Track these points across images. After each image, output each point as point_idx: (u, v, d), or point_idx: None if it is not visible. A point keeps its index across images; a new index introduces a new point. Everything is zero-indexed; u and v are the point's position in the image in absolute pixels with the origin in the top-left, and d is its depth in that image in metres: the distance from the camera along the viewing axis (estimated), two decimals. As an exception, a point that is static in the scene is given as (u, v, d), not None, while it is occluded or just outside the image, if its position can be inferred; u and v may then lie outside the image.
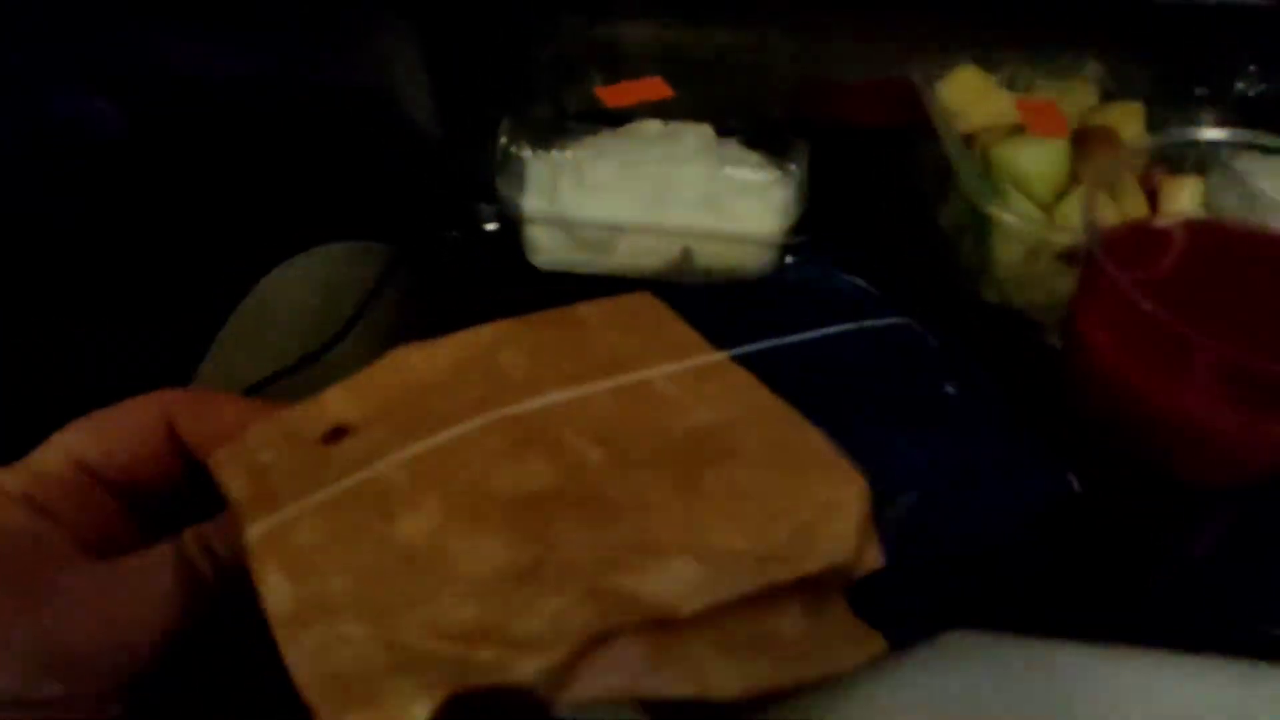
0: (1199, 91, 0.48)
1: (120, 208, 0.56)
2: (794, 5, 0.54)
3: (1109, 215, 0.36)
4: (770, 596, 0.23)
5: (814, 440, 0.26)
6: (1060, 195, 0.42)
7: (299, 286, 0.51)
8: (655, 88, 0.45)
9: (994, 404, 0.30)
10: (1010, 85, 0.46)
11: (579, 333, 0.30)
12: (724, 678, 0.22)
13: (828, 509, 0.24)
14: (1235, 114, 0.46)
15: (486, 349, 0.28)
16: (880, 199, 0.49)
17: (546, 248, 0.44)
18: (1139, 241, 0.33)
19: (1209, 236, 0.34)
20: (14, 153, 0.59)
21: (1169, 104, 0.46)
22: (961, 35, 0.54)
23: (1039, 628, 0.32)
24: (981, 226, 0.41)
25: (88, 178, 0.58)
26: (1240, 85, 0.46)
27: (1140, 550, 0.35)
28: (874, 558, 0.24)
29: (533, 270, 0.45)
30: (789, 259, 0.42)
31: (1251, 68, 0.46)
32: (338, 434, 0.26)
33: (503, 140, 0.43)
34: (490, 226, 0.43)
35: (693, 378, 0.28)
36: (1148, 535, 0.35)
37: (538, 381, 0.27)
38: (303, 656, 0.20)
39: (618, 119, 0.47)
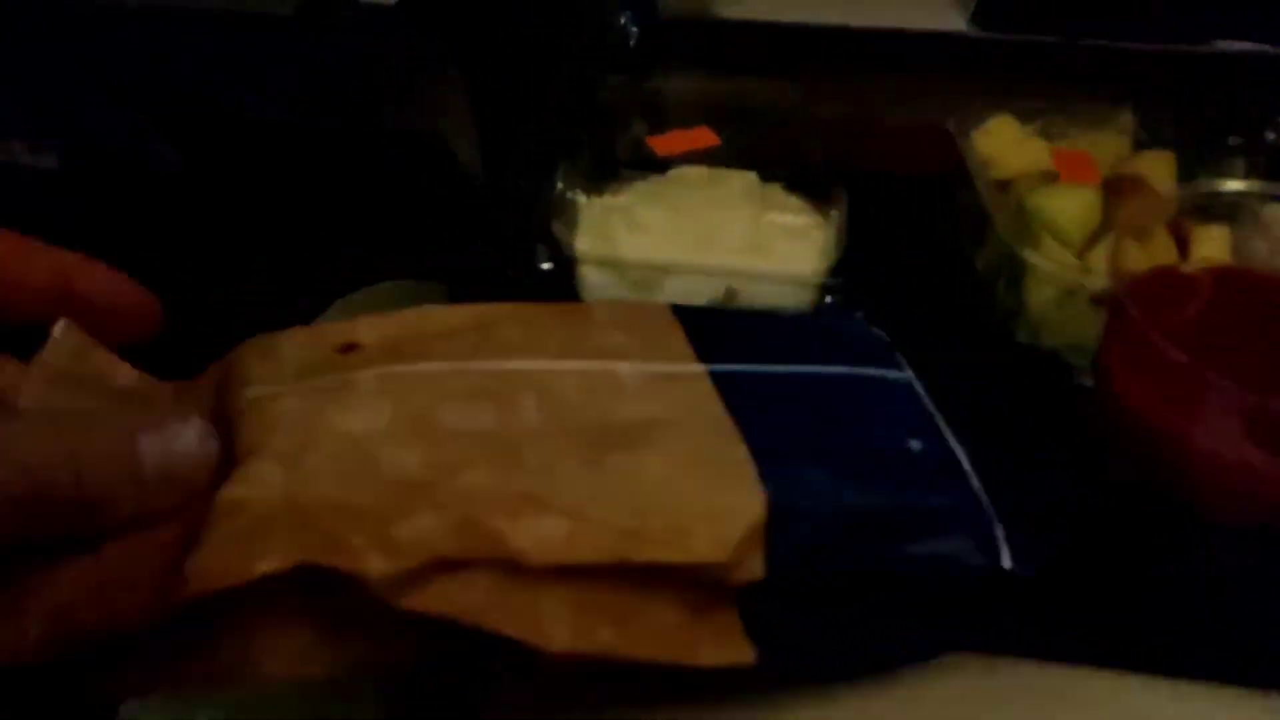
0: (1231, 140, 0.50)
1: (175, 246, 0.59)
2: (833, 60, 0.57)
3: (1139, 261, 0.38)
4: (646, 578, 0.25)
5: (737, 454, 0.27)
6: (1092, 241, 0.43)
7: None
8: (703, 136, 0.48)
9: (957, 473, 0.31)
10: (1044, 135, 0.48)
11: (582, 323, 0.33)
12: (557, 631, 0.24)
13: (714, 514, 0.26)
14: (1266, 163, 0.48)
15: (494, 317, 0.32)
16: (918, 241, 0.51)
17: (598, 286, 0.47)
18: (1166, 287, 0.35)
19: (1235, 283, 0.35)
20: (71, 187, 0.62)
21: (1200, 153, 0.48)
22: (998, 86, 0.56)
23: (1054, 654, 0.33)
24: (1016, 270, 0.43)
25: (144, 213, 0.61)
26: (1270, 135, 0.48)
27: (1166, 584, 0.36)
28: (755, 569, 0.26)
29: (584, 308, 0.47)
30: (828, 299, 0.44)
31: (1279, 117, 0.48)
32: (350, 348, 0.30)
33: (559, 185, 0.46)
34: (545, 266, 0.46)
35: (660, 379, 0.30)
36: (1174, 569, 0.36)
37: (520, 349, 0.30)
38: (236, 483, 0.24)
39: (665, 165, 0.49)
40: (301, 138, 0.64)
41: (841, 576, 0.28)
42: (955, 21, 0.57)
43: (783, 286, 0.45)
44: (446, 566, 0.23)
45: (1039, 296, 0.42)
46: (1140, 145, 0.48)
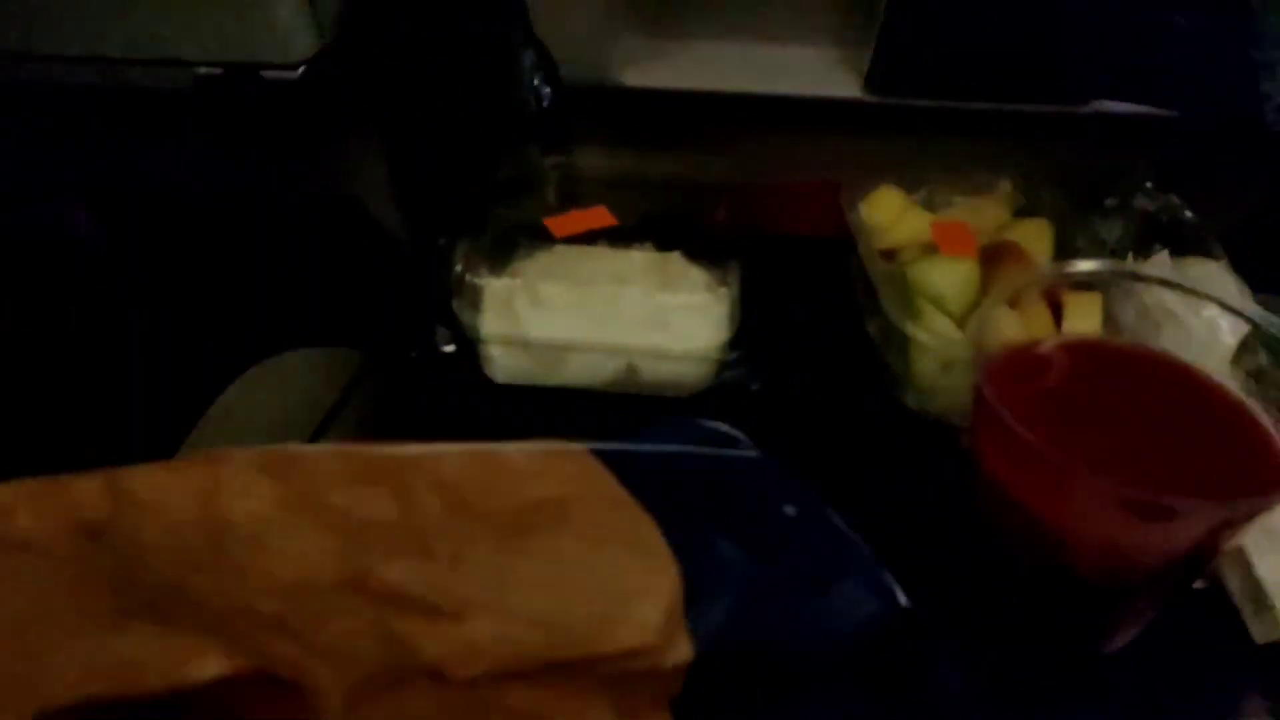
0: (1108, 203, 0.52)
1: (92, 313, 0.58)
2: (733, 126, 0.58)
3: (1014, 329, 0.40)
4: (577, 687, 0.24)
5: (643, 528, 0.27)
6: (972, 309, 0.45)
7: (267, 392, 0.54)
8: (600, 217, 0.49)
9: (831, 529, 0.32)
10: (928, 203, 0.50)
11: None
12: None
13: (636, 594, 0.25)
14: (1139, 226, 0.50)
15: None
16: (815, 307, 0.52)
17: (503, 364, 0.47)
18: (1025, 361, 0.36)
19: (1090, 356, 0.37)
20: None
21: (1078, 216, 0.50)
22: (890, 151, 0.58)
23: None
24: (900, 339, 0.44)
25: (61, 281, 0.61)
26: (1140, 200, 0.50)
27: (1047, 645, 0.38)
28: (684, 650, 0.25)
29: (490, 384, 0.48)
30: (727, 373, 0.46)
31: (1148, 184, 0.50)
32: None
33: (458, 267, 0.47)
34: (448, 348, 0.47)
35: (545, 456, 0.30)
36: (1054, 631, 0.38)
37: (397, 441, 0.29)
38: None
39: (568, 236, 0.50)
40: (216, 207, 0.64)
41: (764, 652, 0.28)
42: (851, 88, 0.59)
43: (681, 361, 0.46)
44: (388, 683, 0.23)
45: (922, 365, 0.44)
46: (1020, 212, 0.50)
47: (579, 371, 0.47)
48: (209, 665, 0.21)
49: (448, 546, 0.25)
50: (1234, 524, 0.33)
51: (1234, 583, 0.39)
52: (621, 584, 0.26)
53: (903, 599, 0.31)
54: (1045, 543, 0.35)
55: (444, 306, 0.46)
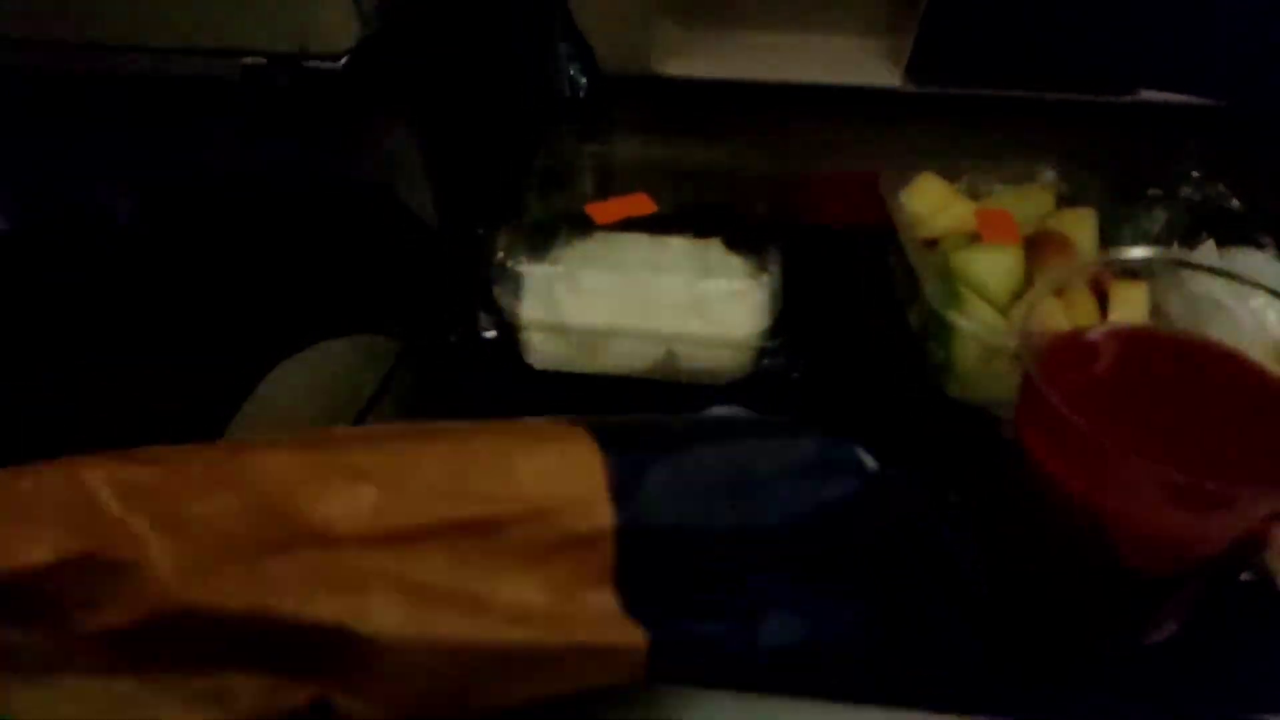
0: (1151, 192, 0.51)
1: (127, 300, 0.59)
2: (772, 115, 0.58)
3: (1059, 318, 0.39)
4: (494, 558, 0.24)
5: (574, 430, 0.27)
6: (1016, 298, 0.45)
7: (306, 380, 0.55)
8: (640, 204, 0.49)
9: (789, 428, 0.31)
10: (970, 191, 0.50)
11: None
12: (387, 615, 0.22)
13: (547, 466, 0.25)
14: (1184, 217, 0.49)
15: None
16: (855, 297, 0.52)
17: (543, 350, 0.48)
18: (1074, 349, 0.36)
19: (1141, 344, 0.37)
20: (27, 233, 0.63)
21: (1122, 206, 0.50)
22: (930, 140, 0.57)
23: (988, 709, 0.34)
24: (943, 328, 0.44)
25: (97, 262, 0.62)
26: (1186, 191, 0.49)
27: (1091, 636, 0.38)
28: (603, 514, 0.25)
29: (530, 371, 0.48)
30: (765, 361, 0.46)
31: (1195, 173, 0.49)
32: None
33: (499, 254, 0.47)
34: (489, 334, 0.47)
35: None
36: (1098, 621, 0.38)
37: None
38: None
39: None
40: (254, 196, 0.64)
41: (712, 535, 0.26)
42: (891, 77, 0.58)
43: (721, 349, 0.46)
44: (246, 554, 0.22)
45: (965, 353, 0.43)
46: (1063, 200, 0.49)
47: (618, 358, 0.47)
48: (39, 550, 0.21)
49: (360, 437, 0.26)
50: (1285, 514, 0.32)
51: (1283, 575, 0.39)
52: (528, 464, 0.25)
53: (871, 464, 0.29)
54: (1091, 532, 0.35)
55: (485, 293, 0.46)
